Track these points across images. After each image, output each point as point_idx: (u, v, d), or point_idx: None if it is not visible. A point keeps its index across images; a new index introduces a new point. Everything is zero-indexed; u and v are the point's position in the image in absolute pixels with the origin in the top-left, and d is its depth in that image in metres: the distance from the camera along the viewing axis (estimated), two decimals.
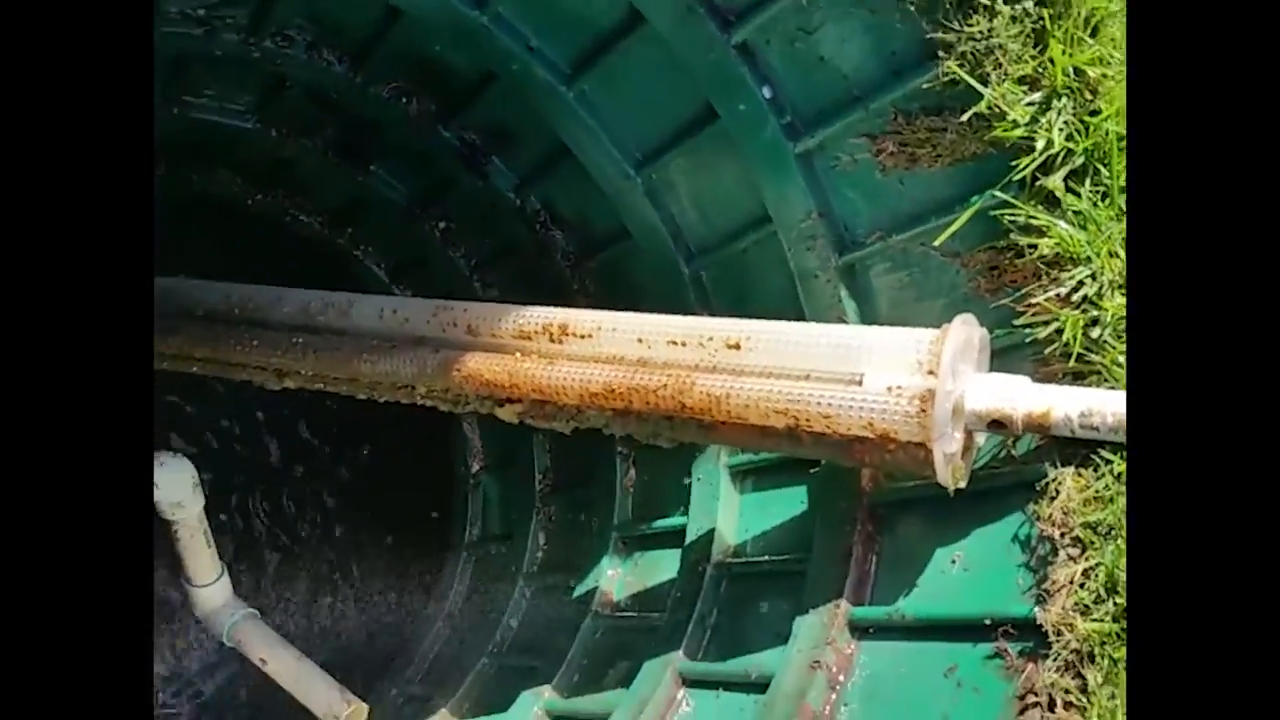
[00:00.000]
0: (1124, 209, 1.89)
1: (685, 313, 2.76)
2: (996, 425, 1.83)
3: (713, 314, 2.83)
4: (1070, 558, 1.84)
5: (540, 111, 2.80)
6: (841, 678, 2.18)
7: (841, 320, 2.42)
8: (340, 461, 4.97)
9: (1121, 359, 1.85)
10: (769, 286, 2.62)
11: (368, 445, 4.96)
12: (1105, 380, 1.87)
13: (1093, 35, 1.83)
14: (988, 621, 1.89)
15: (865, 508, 2.31)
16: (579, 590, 3.45)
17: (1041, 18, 1.84)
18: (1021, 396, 1.79)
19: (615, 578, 3.31)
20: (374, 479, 4.90)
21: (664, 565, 3.11)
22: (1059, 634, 1.75)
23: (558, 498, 3.85)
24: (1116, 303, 1.88)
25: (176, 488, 3.55)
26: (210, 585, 3.87)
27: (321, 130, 3.41)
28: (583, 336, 2.33)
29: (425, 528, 4.65)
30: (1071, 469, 1.85)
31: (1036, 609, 1.79)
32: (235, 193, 3.98)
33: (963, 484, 1.90)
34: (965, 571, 2.02)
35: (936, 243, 2.14)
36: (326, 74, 2.97)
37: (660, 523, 3.14)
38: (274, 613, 4.58)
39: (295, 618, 4.70)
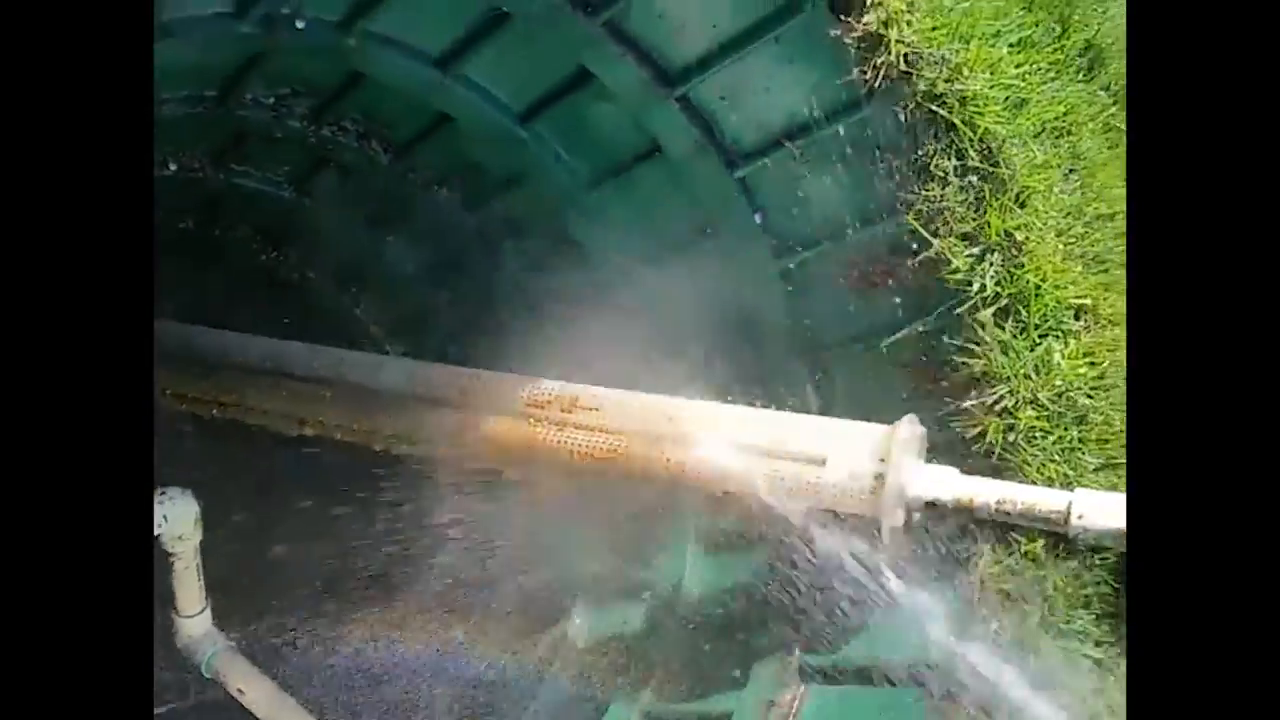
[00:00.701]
0: (1038, 341, 2.41)
1: (667, 389, 3.23)
2: (931, 506, 2.29)
3: (692, 393, 3.29)
4: (983, 618, 2.31)
5: (558, 209, 3.26)
6: (792, 716, 2.60)
7: (804, 408, 2.89)
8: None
9: (1030, 459, 2.34)
10: (745, 372, 3.06)
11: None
12: (1017, 475, 2.36)
13: (1021, 207, 2.36)
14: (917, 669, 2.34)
15: None
16: (544, 638, 3.80)
17: (983, 190, 2.36)
18: (951, 485, 2.26)
19: (582, 626, 3.68)
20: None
21: (630, 616, 3.50)
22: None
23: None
24: (1029, 414, 2.38)
25: (181, 522, 3.80)
26: (195, 616, 4.10)
27: (350, 203, 3.81)
28: (590, 409, 2.75)
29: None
30: (988, 546, 2.33)
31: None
32: (252, 248, 4.34)
33: (902, 553, 2.36)
34: (900, 626, 2.47)
35: (884, 344, 2.62)
36: (370, 161, 3.39)
37: (628, 575, 3.53)
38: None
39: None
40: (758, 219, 2.80)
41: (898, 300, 2.62)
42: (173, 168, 3.43)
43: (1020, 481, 2.33)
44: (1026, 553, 2.31)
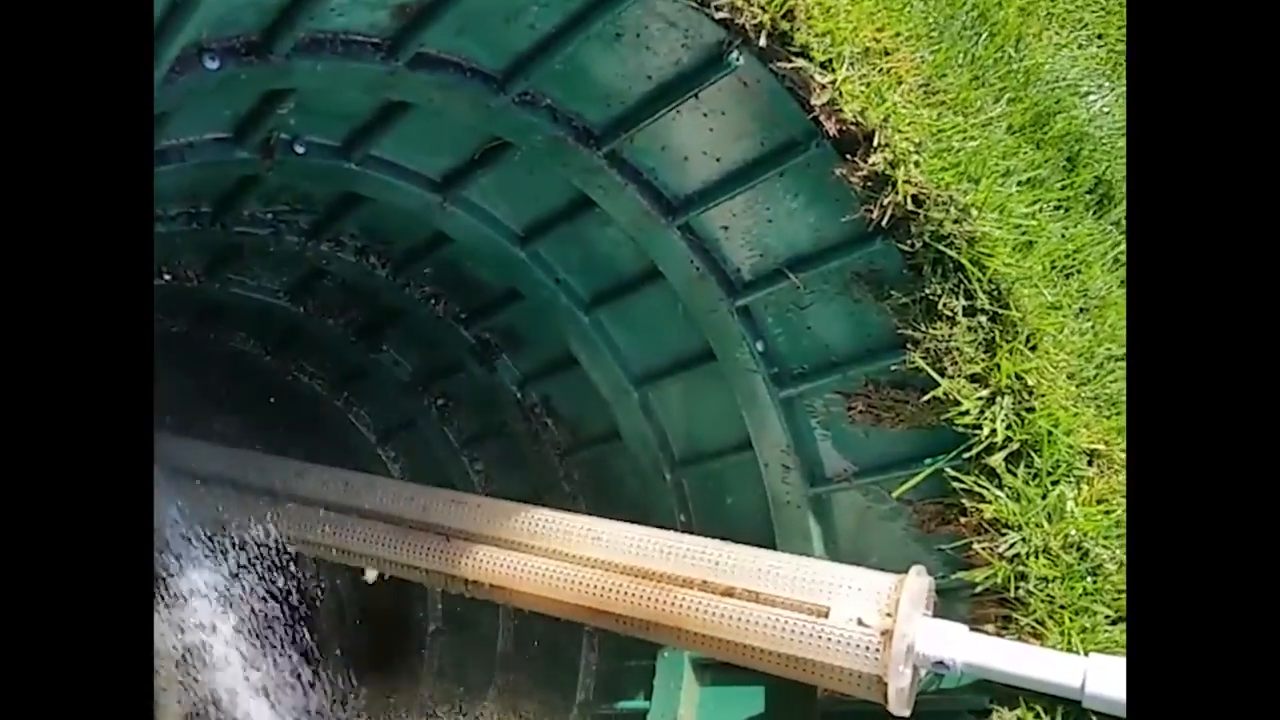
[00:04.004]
0: (1050, 488, 2.32)
1: (662, 515, 3.14)
2: (939, 664, 2.18)
3: (688, 520, 3.20)
4: None
5: (555, 327, 3.20)
6: None
7: (806, 542, 2.79)
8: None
9: (1040, 615, 2.24)
10: (743, 503, 2.98)
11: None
12: (1027, 628, 2.26)
13: (1032, 350, 2.29)
14: None
15: (819, 716, 2.63)
16: None
17: (993, 331, 2.29)
18: (961, 644, 2.15)
19: None
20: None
21: None
22: None
23: (518, 669, 4.07)
24: (1041, 563, 2.28)
25: None
26: None
27: (346, 313, 3.77)
28: (587, 541, 2.66)
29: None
30: (1000, 705, 2.21)
31: None
32: (248, 350, 4.29)
33: (907, 712, 2.24)
34: None
35: (894, 494, 2.53)
36: (367, 275, 3.35)
37: (622, 704, 3.40)
38: None
39: None
40: (759, 346, 2.73)
41: (904, 437, 2.54)
42: (166, 278, 3.39)
43: (1032, 634, 2.23)
44: (1039, 713, 2.18)
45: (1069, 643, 2.19)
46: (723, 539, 2.54)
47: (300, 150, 2.56)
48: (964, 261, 2.27)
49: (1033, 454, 2.30)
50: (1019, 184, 2.40)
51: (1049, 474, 2.30)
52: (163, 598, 3.62)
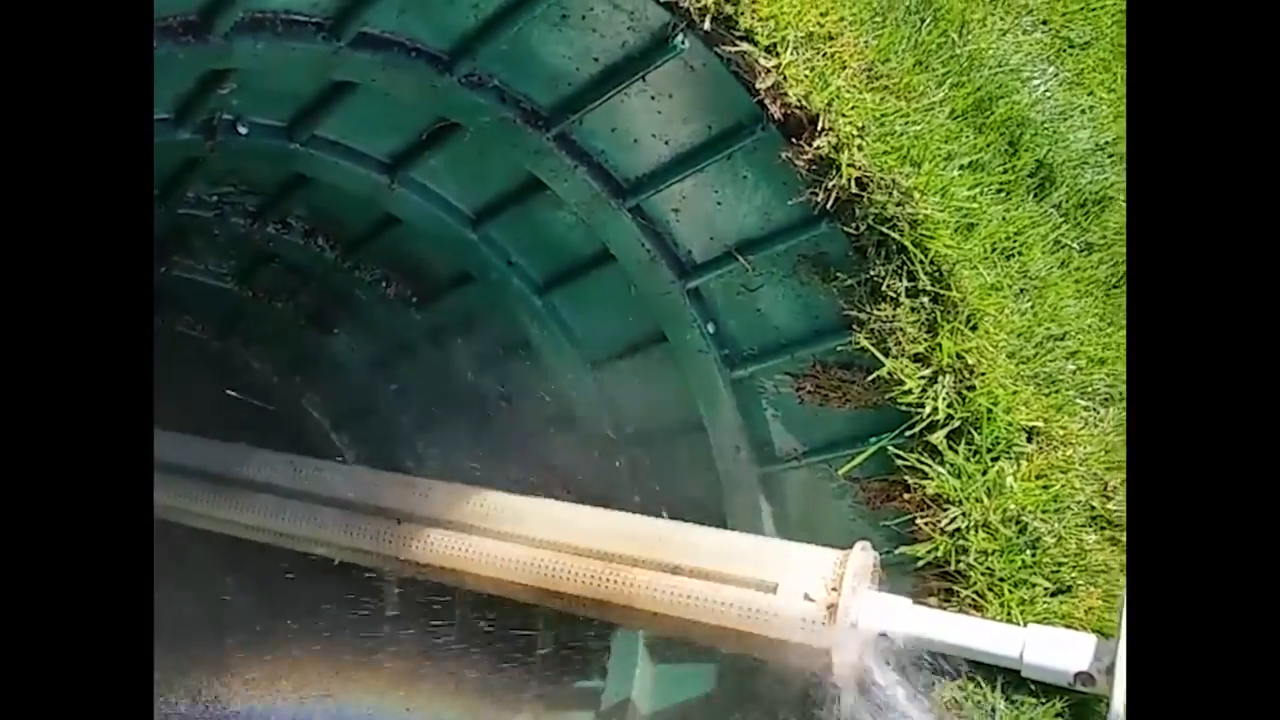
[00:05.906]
0: (990, 464, 2.38)
1: (617, 497, 3.16)
2: (883, 637, 2.23)
3: (643, 501, 3.22)
4: None
5: (508, 310, 3.21)
6: None
7: (758, 521, 2.83)
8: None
9: (980, 588, 2.29)
10: (696, 484, 3.01)
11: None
12: (968, 600, 2.31)
13: (973, 330, 2.33)
14: None
15: (768, 692, 2.66)
16: None
17: (935, 312, 2.33)
18: (904, 617, 2.20)
19: None
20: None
21: None
22: None
23: (473, 651, 4.08)
24: (981, 538, 2.34)
25: None
26: None
27: (296, 297, 3.74)
28: (536, 523, 2.67)
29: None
30: (944, 678, 2.26)
31: None
32: (196, 336, 4.24)
33: (854, 685, 2.28)
34: None
35: (840, 472, 2.57)
36: (316, 257, 3.33)
37: (578, 684, 3.42)
38: None
39: None
40: (710, 328, 2.76)
41: (851, 417, 2.58)
42: None
43: (974, 606, 2.28)
44: (981, 683, 2.24)
45: (1008, 614, 2.25)
46: (677, 519, 2.58)
47: (244, 131, 2.53)
48: (906, 244, 2.31)
49: (973, 431, 2.35)
50: (961, 168, 2.44)
51: (989, 450, 2.35)
52: None
